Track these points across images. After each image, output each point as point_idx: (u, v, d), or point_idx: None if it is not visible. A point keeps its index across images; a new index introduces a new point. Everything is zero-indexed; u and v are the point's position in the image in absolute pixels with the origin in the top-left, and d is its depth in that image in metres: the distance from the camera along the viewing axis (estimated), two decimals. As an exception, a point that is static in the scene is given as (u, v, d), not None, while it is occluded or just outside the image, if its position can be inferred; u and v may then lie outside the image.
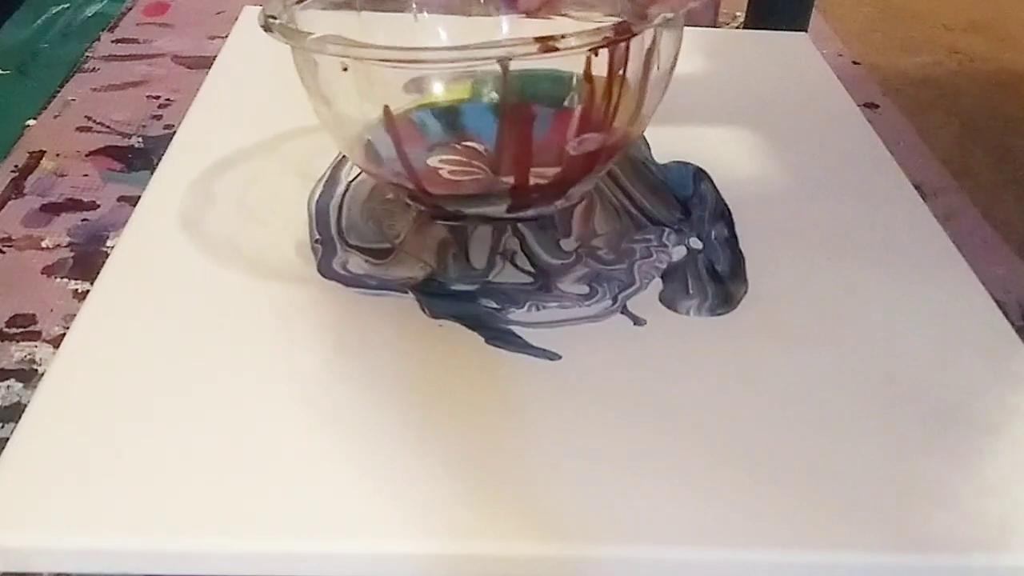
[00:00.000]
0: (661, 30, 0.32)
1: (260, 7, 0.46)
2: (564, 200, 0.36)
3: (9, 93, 0.57)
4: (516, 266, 0.37)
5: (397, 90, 0.37)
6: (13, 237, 0.44)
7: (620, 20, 0.30)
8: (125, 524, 0.27)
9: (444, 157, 0.34)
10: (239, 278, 0.36)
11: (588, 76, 0.32)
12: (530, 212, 0.35)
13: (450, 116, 0.37)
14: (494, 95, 0.37)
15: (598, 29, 0.29)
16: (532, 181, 0.34)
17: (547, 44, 0.28)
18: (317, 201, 0.40)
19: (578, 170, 0.34)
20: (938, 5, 0.79)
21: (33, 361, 0.37)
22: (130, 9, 0.68)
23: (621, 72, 0.32)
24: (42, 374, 0.33)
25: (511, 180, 0.34)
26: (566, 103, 0.37)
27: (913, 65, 0.69)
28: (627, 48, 0.32)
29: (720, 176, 0.43)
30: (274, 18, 0.32)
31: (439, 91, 0.39)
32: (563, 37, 0.28)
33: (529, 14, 0.34)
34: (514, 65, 0.34)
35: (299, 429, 0.30)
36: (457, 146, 0.34)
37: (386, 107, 0.33)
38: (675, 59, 0.35)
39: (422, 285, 0.36)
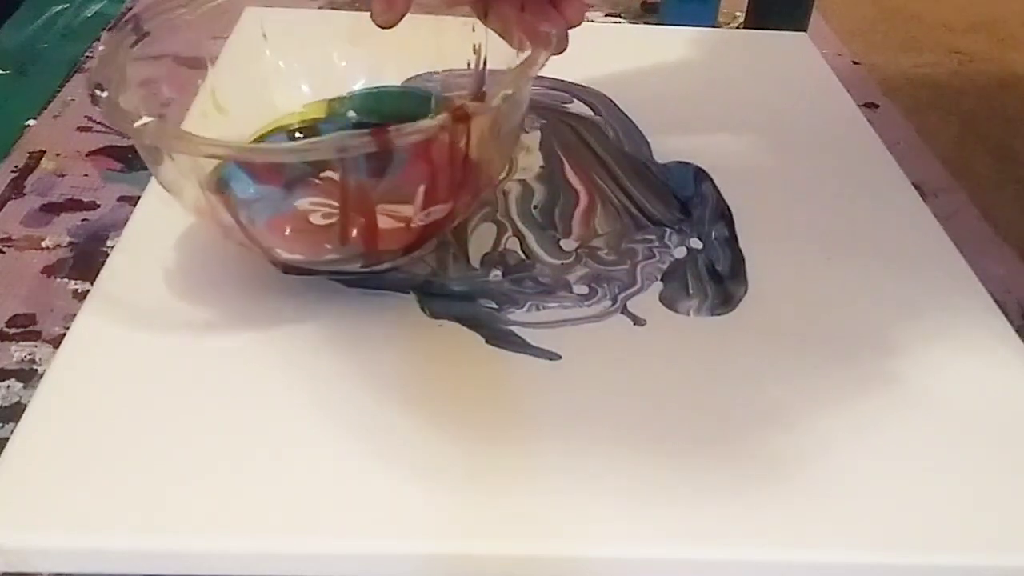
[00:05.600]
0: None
1: (260, 7, 0.46)
2: (422, 251, 0.36)
3: (9, 93, 0.57)
4: (516, 266, 0.37)
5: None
6: (13, 237, 0.44)
7: (458, 105, 0.30)
8: (125, 524, 0.27)
9: (312, 199, 0.33)
10: (239, 278, 0.36)
11: (427, 157, 0.33)
12: (386, 265, 0.36)
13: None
14: (352, 113, 0.36)
15: (437, 116, 0.30)
16: (382, 247, 0.34)
17: (384, 139, 0.29)
18: (317, 201, 0.40)
19: (428, 232, 0.35)
20: (938, 5, 0.79)
21: (33, 361, 0.37)
22: (130, 9, 0.68)
23: (463, 144, 0.32)
24: (42, 374, 0.33)
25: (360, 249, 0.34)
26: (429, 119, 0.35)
27: (913, 65, 0.69)
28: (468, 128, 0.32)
29: (720, 176, 0.43)
30: (101, 89, 0.31)
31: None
32: (397, 130, 0.29)
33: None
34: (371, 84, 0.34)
35: (299, 429, 0.30)
36: (317, 180, 0.33)
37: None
38: (521, 117, 0.36)
39: (422, 285, 0.36)
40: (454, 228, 0.39)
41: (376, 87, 0.43)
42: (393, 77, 0.43)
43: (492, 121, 0.33)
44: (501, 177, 0.42)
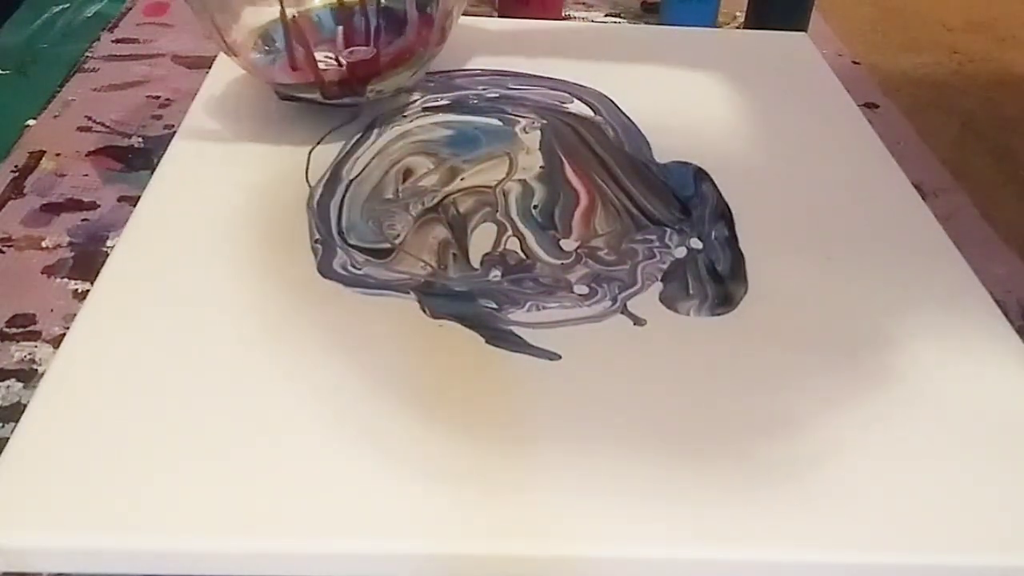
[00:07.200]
0: None
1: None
2: (376, 93, 0.46)
3: (9, 93, 0.57)
4: (516, 266, 0.37)
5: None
6: (13, 237, 0.44)
7: None
8: (125, 524, 0.27)
9: (326, 54, 0.46)
10: (239, 278, 0.36)
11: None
12: (346, 100, 0.45)
13: (342, 16, 0.48)
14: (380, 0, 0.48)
15: None
16: (327, 79, 0.44)
17: None
18: (317, 201, 0.40)
19: (364, 71, 0.45)
20: (938, 5, 0.79)
21: (33, 361, 0.37)
22: (130, 9, 0.68)
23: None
24: (42, 374, 0.33)
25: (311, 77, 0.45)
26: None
27: (913, 65, 0.69)
28: None
29: (720, 176, 0.43)
30: None
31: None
32: None
33: None
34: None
35: (299, 429, 0.30)
36: (336, 43, 0.46)
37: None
38: None
39: (422, 285, 0.36)
40: (453, 228, 0.39)
41: None
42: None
43: None
44: (498, 179, 0.42)
